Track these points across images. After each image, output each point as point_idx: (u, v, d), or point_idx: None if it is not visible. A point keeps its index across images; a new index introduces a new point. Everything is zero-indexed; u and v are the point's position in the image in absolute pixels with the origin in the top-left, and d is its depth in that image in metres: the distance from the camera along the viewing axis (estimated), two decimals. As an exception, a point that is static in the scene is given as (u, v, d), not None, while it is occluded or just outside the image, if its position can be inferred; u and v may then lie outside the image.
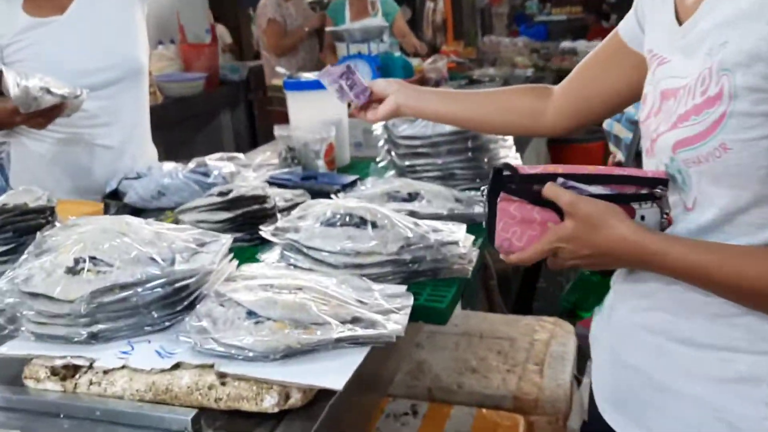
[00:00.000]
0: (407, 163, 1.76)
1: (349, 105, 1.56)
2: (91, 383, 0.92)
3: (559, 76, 4.80)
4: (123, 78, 1.93)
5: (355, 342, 0.94)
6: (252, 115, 5.41)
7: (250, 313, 0.95)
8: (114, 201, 1.88)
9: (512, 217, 0.94)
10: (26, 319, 0.99)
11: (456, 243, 1.22)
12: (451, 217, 1.47)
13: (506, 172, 0.94)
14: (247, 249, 1.39)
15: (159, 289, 0.98)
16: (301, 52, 4.93)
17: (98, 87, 1.86)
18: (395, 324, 0.97)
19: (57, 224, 1.21)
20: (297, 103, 2.06)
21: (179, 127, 4.60)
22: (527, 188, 0.94)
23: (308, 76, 2.08)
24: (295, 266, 1.19)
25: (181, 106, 4.48)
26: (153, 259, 1.01)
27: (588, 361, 1.79)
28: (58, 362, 0.95)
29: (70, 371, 0.95)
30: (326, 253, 1.18)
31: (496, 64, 5.02)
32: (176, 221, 1.49)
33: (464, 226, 1.28)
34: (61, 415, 0.90)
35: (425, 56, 4.18)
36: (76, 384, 0.93)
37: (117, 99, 1.93)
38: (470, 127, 1.52)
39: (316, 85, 2.02)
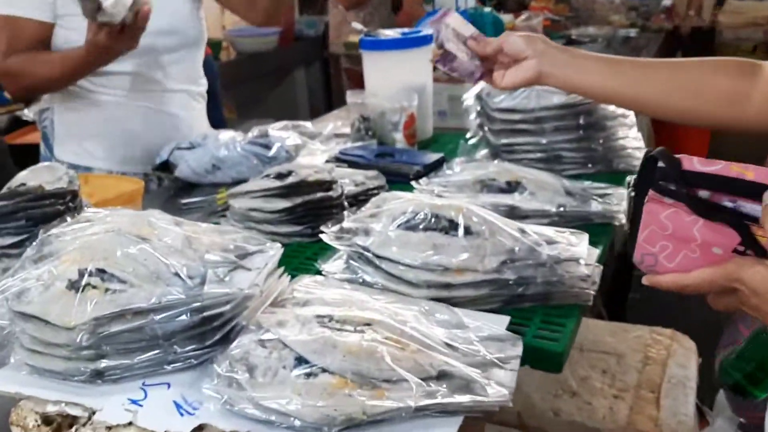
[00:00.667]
0: (504, 141, 1.46)
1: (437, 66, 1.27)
2: (89, 442, 0.70)
3: (667, 39, 4.34)
4: (184, 44, 1.74)
5: (442, 410, 0.68)
6: (328, 74, 5.16)
7: (300, 360, 0.70)
8: (164, 174, 1.67)
9: (663, 227, 0.69)
10: (19, 344, 0.77)
11: (577, 260, 0.92)
12: (561, 216, 1.17)
13: (662, 163, 0.66)
14: (308, 247, 1.14)
15: (183, 317, 0.74)
16: (370, 7, 4.57)
17: (159, 51, 1.68)
18: (499, 387, 0.70)
19: (87, 210, 0.99)
20: (374, 66, 1.77)
21: (251, 84, 4.41)
22: (691, 193, 0.66)
23: (388, 33, 1.79)
24: (364, 282, 0.93)
25: (253, 63, 4.28)
26: (178, 276, 0.76)
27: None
28: (51, 408, 0.72)
29: (66, 420, 0.72)
30: (404, 267, 0.91)
31: (589, 23, 4.57)
32: (227, 206, 1.26)
33: (586, 237, 0.98)
34: (50, 483, 0.69)
35: (517, 12, 3.78)
36: (70, 441, 0.70)
37: (175, 65, 1.74)
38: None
39: (398, 45, 1.73)
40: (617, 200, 1.23)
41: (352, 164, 1.52)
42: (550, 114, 1.43)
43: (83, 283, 0.75)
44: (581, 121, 1.43)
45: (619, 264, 2.99)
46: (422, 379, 0.69)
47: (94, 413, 0.71)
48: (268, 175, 1.25)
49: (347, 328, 0.74)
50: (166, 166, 1.62)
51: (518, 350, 0.76)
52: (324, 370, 0.69)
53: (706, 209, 0.66)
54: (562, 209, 1.18)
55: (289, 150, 1.60)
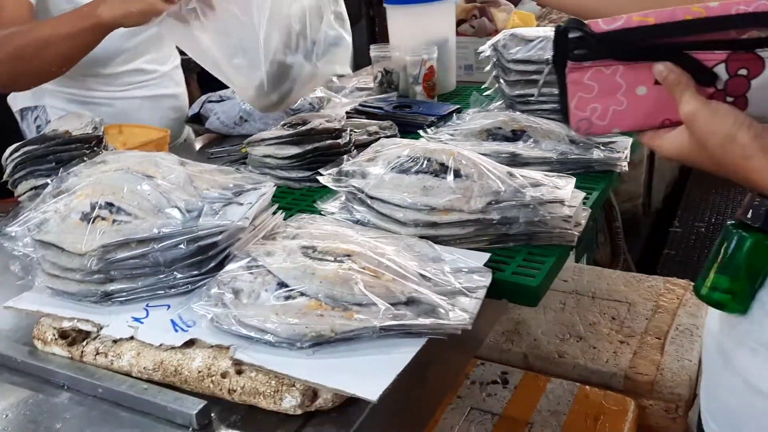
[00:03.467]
0: (518, 92, 1.49)
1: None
2: (97, 352, 0.79)
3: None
4: None
5: (407, 332, 0.74)
6: (374, 33, 5.14)
7: (281, 285, 0.77)
8: (196, 125, 1.76)
9: (588, 90, 0.72)
10: (41, 269, 0.87)
11: (560, 202, 0.96)
12: (562, 163, 1.21)
13: (573, 34, 0.69)
14: (317, 191, 1.20)
15: (181, 247, 0.82)
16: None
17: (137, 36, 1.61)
18: (462, 312, 0.75)
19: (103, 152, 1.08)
20: (398, 19, 1.80)
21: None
22: (605, 48, 0.69)
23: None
24: (358, 221, 0.99)
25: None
26: (179, 209, 0.84)
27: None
28: (66, 324, 0.82)
29: (80, 335, 0.82)
30: (394, 207, 0.96)
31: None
32: (246, 154, 1.33)
33: (572, 181, 1.02)
34: (65, 386, 0.78)
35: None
36: (83, 352, 0.79)
37: (157, 43, 1.68)
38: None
39: (420, -1, 1.76)
40: (620, 148, 1.25)
41: (370, 115, 1.57)
42: (563, 65, 1.44)
43: (94, 215, 0.84)
44: (595, 72, 1.44)
45: (656, 220, 2.98)
46: (391, 304, 0.75)
47: (101, 329, 0.80)
48: (284, 125, 1.31)
49: (328, 258, 0.80)
50: (198, 119, 1.71)
51: (486, 281, 0.82)
52: (302, 294, 0.76)
53: (632, 51, 0.69)
54: (563, 156, 1.21)
55: (312, 102, 1.66)
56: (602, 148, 1.24)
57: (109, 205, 0.84)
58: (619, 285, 1.66)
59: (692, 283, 1.66)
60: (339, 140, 1.23)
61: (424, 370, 0.80)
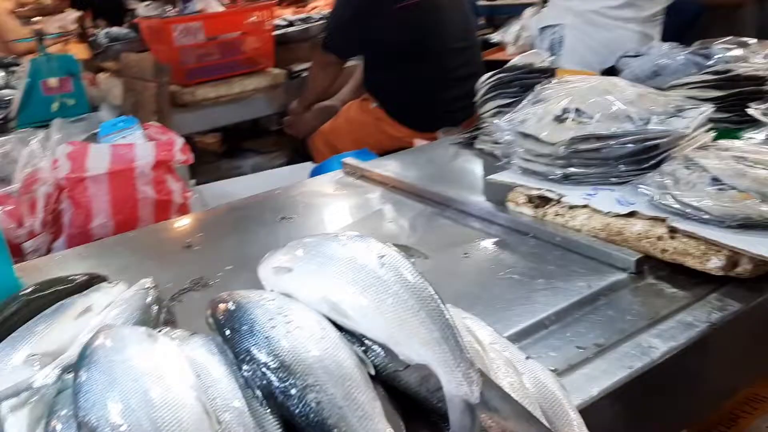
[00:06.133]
0: None
1: None
2: (557, 214, 1.07)
3: None
4: None
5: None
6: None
7: (715, 180, 0.95)
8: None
9: None
10: (517, 154, 1.18)
11: None
12: None
13: None
14: (732, 131, 1.33)
15: (630, 145, 1.05)
16: None
17: None
18: None
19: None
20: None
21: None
22: None
23: None
24: (779, 148, 1.11)
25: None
26: (630, 117, 1.08)
27: None
28: (534, 192, 1.12)
29: (542, 202, 1.11)
30: (821, 140, 1.07)
31: None
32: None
33: None
34: (530, 235, 1.08)
35: None
36: (545, 213, 1.09)
37: None
38: None
39: None
40: None
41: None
42: None
43: (564, 116, 1.12)
44: None
45: None
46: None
47: (562, 197, 1.08)
48: (707, 71, 1.46)
49: (759, 167, 0.96)
50: (613, 71, 1.92)
51: None
52: (733, 188, 0.93)
53: None
54: None
55: (729, 60, 1.74)
56: None
57: (577, 110, 1.11)
58: None
59: None
60: (763, 87, 1.33)
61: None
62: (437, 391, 0.56)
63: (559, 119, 1.12)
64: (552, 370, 0.76)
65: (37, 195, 1.56)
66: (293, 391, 0.53)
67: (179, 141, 1.73)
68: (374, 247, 0.64)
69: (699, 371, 0.85)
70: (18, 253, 1.48)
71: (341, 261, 0.63)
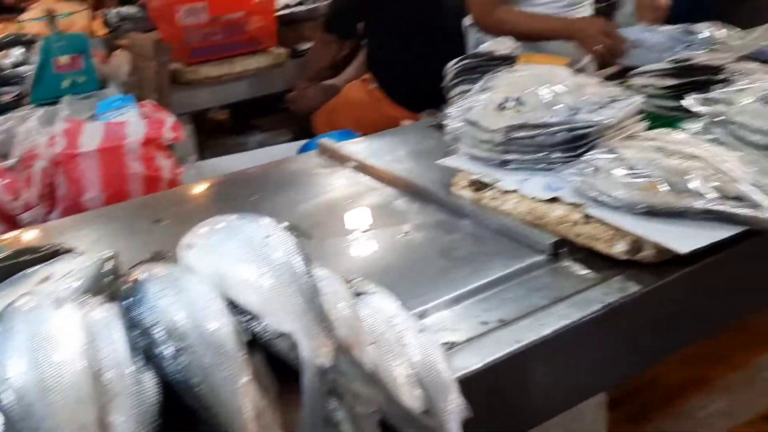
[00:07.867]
0: None
1: None
2: (492, 198, 1.13)
3: None
4: None
5: (727, 218, 0.92)
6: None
7: (630, 169, 1.00)
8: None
9: None
10: (463, 141, 1.24)
11: None
12: None
13: None
14: (670, 120, 1.36)
15: (560, 134, 1.11)
16: None
17: None
18: (778, 210, 0.90)
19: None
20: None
21: None
22: None
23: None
24: (716, 141, 1.15)
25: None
26: (564, 107, 1.13)
27: None
28: (473, 178, 1.18)
29: (482, 186, 1.17)
30: (750, 131, 1.10)
31: None
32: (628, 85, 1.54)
33: None
34: (467, 217, 1.15)
35: None
36: (481, 196, 1.15)
37: None
38: None
39: None
40: None
41: (764, 62, 1.62)
42: None
43: (504, 105, 1.17)
44: None
45: None
46: (720, 197, 0.93)
47: (497, 183, 1.14)
48: (669, 60, 1.49)
49: (674, 157, 1.01)
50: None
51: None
52: (646, 177, 0.98)
53: None
54: None
55: (709, 43, 1.75)
56: None
57: (517, 99, 1.16)
58: None
59: None
60: (717, 76, 1.36)
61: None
62: (304, 357, 0.64)
63: (501, 107, 1.18)
64: (446, 343, 0.84)
65: (34, 170, 1.67)
66: (167, 352, 0.61)
67: (170, 119, 1.82)
68: (264, 227, 0.72)
69: (588, 350, 0.91)
70: (14, 224, 1.60)
71: (234, 239, 0.72)
